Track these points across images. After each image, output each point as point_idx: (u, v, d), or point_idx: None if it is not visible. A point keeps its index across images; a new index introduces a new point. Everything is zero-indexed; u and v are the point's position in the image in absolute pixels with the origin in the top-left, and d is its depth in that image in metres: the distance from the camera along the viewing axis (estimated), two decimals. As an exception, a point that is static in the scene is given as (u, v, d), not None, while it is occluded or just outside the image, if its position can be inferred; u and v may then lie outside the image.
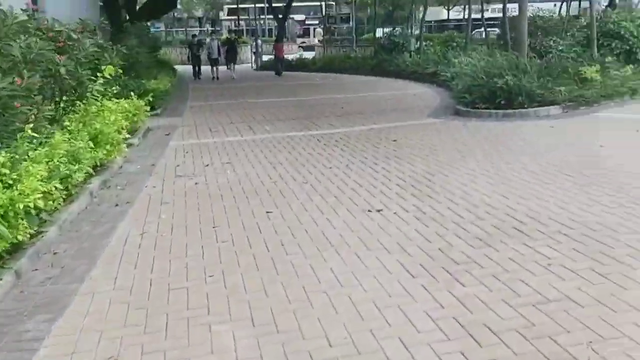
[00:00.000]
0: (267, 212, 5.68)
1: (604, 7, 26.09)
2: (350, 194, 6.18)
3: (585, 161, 7.03)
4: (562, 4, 30.49)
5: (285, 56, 34.15)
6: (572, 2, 21.05)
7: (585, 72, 12.17)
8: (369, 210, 5.54)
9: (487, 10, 32.03)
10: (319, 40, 42.23)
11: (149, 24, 25.14)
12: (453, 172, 6.91)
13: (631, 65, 14.17)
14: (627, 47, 14.97)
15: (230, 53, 25.87)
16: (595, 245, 4.32)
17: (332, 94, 17.15)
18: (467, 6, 25.77)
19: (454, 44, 24.68)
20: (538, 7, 25.34)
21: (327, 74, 26.33)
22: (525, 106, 10.90)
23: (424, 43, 25.35)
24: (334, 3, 54.41)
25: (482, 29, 28.54)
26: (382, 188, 6.33)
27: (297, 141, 9.49)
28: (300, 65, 30.84)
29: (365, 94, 17.04)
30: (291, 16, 57.20)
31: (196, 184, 7.01)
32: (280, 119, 12.32)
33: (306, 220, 5.33)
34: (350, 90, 18.28)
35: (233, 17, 53.13)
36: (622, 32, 14.93)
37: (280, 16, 35.55)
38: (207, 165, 8.03)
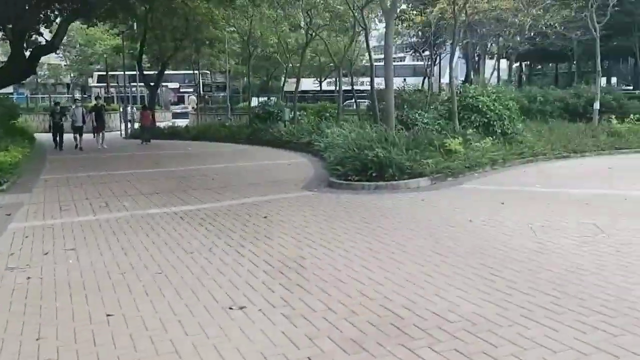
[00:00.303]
0: (108, 315, 4.74)
1: (461, 82, 28.22)
2: (211, 286, 5.42)
3: (458, 238, 6.88)
4: (424, 80, 32.66)
5: (158, 124, 33.12)
6: (433, 78, 22.48)
7: (449, 144, 12.59)
8: (230, 308, 4.81)
9: (357, 83, 33.42)
10: (193, 108, 41.55)
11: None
12: (326, 253, 6.41)
13: (490, 138, 14.99)
14: (485, 120, 15.89)
15: (99, 121, 24.32)
16: (477, 344, 3.92)
17: (204, 164, 16.45)
18: (337, 78, 26.61)
19: (327, 114, 25.23)
20: (404, 79, 26.80)
21: (202, 143, 25.62)
22: (396, 178, 10.92)
23: (298, 113, 25.63)
24: (208, 72, 54.32)
25: (353, 100, 29.69)
26: (248, 277, 5.65)
27: (158, 220, 8.58)
28: (173, 134, 29.85)
29: (239, 163, 16.51)
30: (165, 84, 56.25)
31: (28, 278, 5.88)
32: (143, 193, 11.30)
33: (153, 326, 4.46)
34: (223, 160, 17.68)
35: (102, 84, 51.13)
36: (480, 106, 15.86)
37: (152, 84, 34.60)
38: (47, 253, 6.88)
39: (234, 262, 6.19)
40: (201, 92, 46.83)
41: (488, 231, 7.14)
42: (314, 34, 25.13)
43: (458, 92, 16.25)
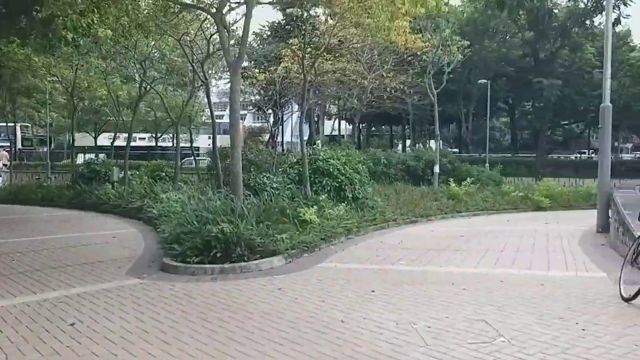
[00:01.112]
0: None
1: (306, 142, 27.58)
2: None
3: (331, 349, 5.31)
4: (268, 140, 31.65)
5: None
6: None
7: (304, 213, 11.25)
8: None
9: (196, 140, 31.50)
10: (4, 165, 36.05)
11: None
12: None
13: (344, 204, 14.03)
14: (337, 184, 14.97)
15: None
16: None
17: (4, 237, 13.27)
18: (175, 135, 24.53)
19: (163, 173, 22.86)
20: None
21: (11, 207, 21.68)
22: (246, 258, 9.17)
23: (129, 172, 22.93)
24: (29, 125, 48.64)
25: (192, 158, 27.57)
26: None
27: None
28: (-25, 195, 25.14)
29: (53, 236, 13.57)
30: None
31: None
32: None
33: None
34: (32, 230, 14.54)
35: None
36: (331, 170, 14.92)
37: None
38: None
39: None
40: (19, 147, 41.34)
41: (368, 338, 5.66)
42: (148, 87, 22.96)
43: (309, 154, 15.14)
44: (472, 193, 21.01)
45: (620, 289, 6.97)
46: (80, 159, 34.76)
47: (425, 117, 37.92)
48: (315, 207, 11.77)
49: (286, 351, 5.33)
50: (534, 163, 34.01)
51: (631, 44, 41.67)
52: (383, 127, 56.62)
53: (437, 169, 21.63)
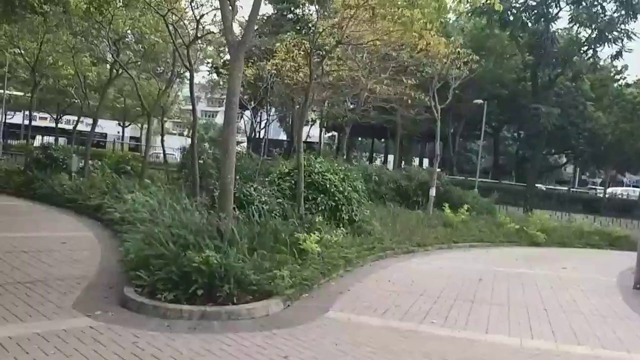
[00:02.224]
0: None
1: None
2: None
3: None
4: (248, 142, 29.18)
5: None
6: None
7: (303, 240, 9.11)
8: None
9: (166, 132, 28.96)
10: None
11: None
12: None
13: (342, 229, 11.98)
14: (333, 204, 12.86)
15: None
16: None
17: None
18: (147, 126, 22.06)
19: (128, 167, 20.34)
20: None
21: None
22: (235, 300, 6.99)
23: (90, 162, 20.37)
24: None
25: (162, 152, 25.04)
26: None
27: None
28: None
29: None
30: None
31: None
32: None
33: None
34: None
35: None
36: (328, 186, 12.81)
37: None
38: None
39: None
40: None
41: None
42: (120, 70, 20.49)
43: (306, 164, 12.95)
44: (468, 221, 19.31)
45: None
46: (37, 141, 31.78)
47: (415, 133, 36.21)
48: (315, 233, 9.60)
49: None
50: (521, 191, 32.55)
51: (627, 79, 41.25)
52: (360, 138, 54.74)
53: (433, 192, 19.74)
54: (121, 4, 14.85)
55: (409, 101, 21.40)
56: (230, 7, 8.25)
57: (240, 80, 8.55)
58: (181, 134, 60.77)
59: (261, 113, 30.11)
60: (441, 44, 13.29)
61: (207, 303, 6.86)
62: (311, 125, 48.95)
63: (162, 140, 23.97)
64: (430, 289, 9.52)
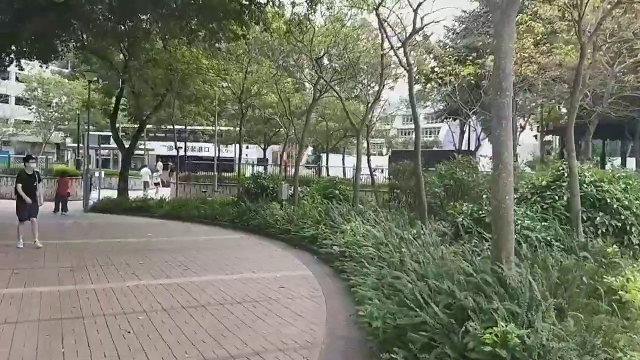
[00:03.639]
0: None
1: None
2: None
3: None
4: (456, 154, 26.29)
5: (145, 194, 27.54)
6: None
7: (621, 288, 6.04)
8: None
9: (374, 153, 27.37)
10: (156, 184, 34.12)
11: None
12: None
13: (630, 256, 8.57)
14: (619, 224, 9.45)
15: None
16: None
17: (141, 275, 9.80)
18: (357, 146, 20.43)
19: (337, 191, 18.75)
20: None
21: (174, 224, 19.28)
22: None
23: (299, 189, 19.30)
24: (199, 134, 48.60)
25: (369, 173, 23.28)
26: None
27: None
28: (142, 208, 23.27)
29: (197, 278, 9.89)
30: (151, 146, 50.31)
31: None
32: None
33: None
34: (179, 265, 11.04)
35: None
36: (609, 201, 9.47)
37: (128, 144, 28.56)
38: None
39: None
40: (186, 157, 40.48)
41: None
42: (323, 88, 19.26)
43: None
44: None
45: None
46: (248, 171, 32.54)
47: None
48: (627, 271, 6.46)
49: None
50: None
51: None
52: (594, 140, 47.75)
53: None
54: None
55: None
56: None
57: (513, 53, 5.93)
58: (380, 154, 59.81)
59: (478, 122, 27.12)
60: None
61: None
62: (520, 132, 44.17)
63: (369, 160, 22.32)
64: None
